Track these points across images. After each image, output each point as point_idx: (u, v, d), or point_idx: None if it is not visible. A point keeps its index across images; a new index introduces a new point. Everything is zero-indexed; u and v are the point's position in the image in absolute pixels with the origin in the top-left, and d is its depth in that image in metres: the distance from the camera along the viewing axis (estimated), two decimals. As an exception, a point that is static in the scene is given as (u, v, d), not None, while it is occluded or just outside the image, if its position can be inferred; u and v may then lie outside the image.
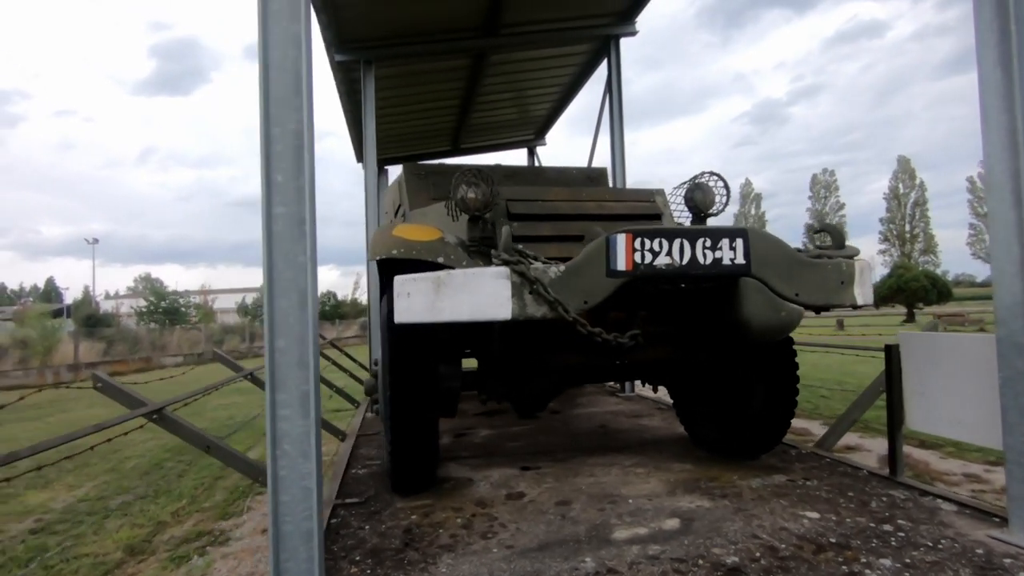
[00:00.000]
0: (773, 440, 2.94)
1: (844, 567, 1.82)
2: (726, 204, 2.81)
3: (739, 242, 1.84)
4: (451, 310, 1.76)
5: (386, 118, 7.07)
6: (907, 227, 52.00)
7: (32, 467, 2.46)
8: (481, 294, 1.70)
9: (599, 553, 1.98)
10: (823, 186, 60.03)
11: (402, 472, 2.53)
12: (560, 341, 2.53)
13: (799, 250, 2.00)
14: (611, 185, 5.23)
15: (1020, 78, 1.96)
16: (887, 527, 2.12)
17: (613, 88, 5.74)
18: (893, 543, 1.98)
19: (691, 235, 1.81)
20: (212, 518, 5.54)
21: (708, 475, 2.81)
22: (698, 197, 2.79)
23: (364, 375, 7.79)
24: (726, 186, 2.80)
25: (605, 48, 6.22)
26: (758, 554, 1.93)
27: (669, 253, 1.79)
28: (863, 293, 1.98)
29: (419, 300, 1.83)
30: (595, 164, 6.54)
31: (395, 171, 7.99)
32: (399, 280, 1.91)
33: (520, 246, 2.68)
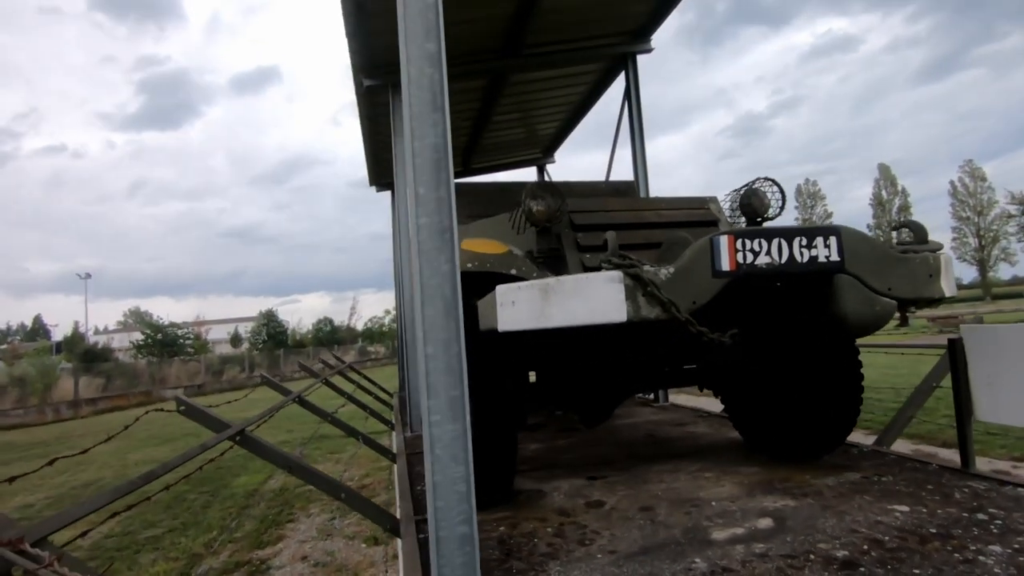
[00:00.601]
0: (838, 440, 2.97)
1: (956, 555, 1.84)
2: (782, 209, 2.88)
3: (833, 240, 1.90)
4: (562, 316, 1.79)
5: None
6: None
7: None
8: (595, 298, 1.74)
9: (705, 554, 1.99)
10: (808, 195, 61.20)
11: (484, 485, 2.53)
12: (643, 345, 2.57)
13: (890, 246, 2.06)
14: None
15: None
16: (981, 516, 2.15)
17: (632, 103, 5.87)
18: (994, 531, 2.01)
19: (788, 234, 1.87)
20: (247, 548, 5.46)
21: (779, 476, 2.82)
22: (754, 203, 2.86)
23: (378, 395, 7.73)
24: (781, 191, 2.88)
25: (619, 66, 6.38)
26: (865, 547, 1.95)
27: (768, 252, 1.84)
28: (949, 285, 2.04)
29: (526, 308, 1.87)
30: (612, 178, 6.66)
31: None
32: (503, 289, 1.95)
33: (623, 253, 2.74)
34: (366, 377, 8.15)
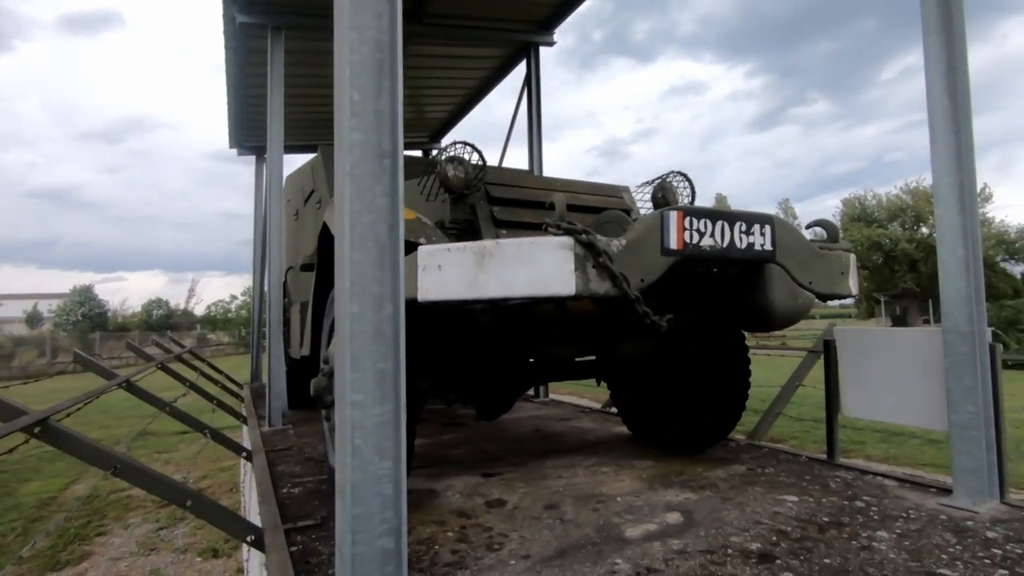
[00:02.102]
0: (724, 433, 3.07)
1: (854, 542, 1.90)
2: (691, 203, 2.90)
3: (767, 229, 1.88)
4: (499, 285, 1.53)
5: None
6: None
7: None
8: (541, 266, 1.50)
9: (625, 553, 1.85)
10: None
11: None
12: (567, 328, 2.39)
13: (811, 241, 2.11)
14: None
15: (963, 106, 2.29)
16: (859, 503, 2.29)
17: (533, 96, 5.77)
18: (875, 516, 2.14)
19: (730, 218, 1.80)
20: (36, 571, 4.37)
21: (673, 470, 2.83)
22: (667, 196, 2.85)
23: (225, 385, 6.81)
24: (691, 186, 2.90)
25: (520, 55, 6.26)
26: (774, 538, 1.95)
27: (712, 235, 1.76)
28: (854, 284, 2.14)
29: (456, 274, 1.58)
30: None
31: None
32: (428, 250, 1.63)
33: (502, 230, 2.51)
34: (211, 365, 7.10)
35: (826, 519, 2.12)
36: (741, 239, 1.82)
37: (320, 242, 2.73)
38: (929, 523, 2.05)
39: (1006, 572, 1.66)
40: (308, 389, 5.04)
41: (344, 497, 1.05)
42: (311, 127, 7.85)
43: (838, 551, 1.84)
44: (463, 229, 2.47)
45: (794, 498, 2.37)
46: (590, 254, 1.53)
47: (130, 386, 3.18)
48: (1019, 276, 33.90)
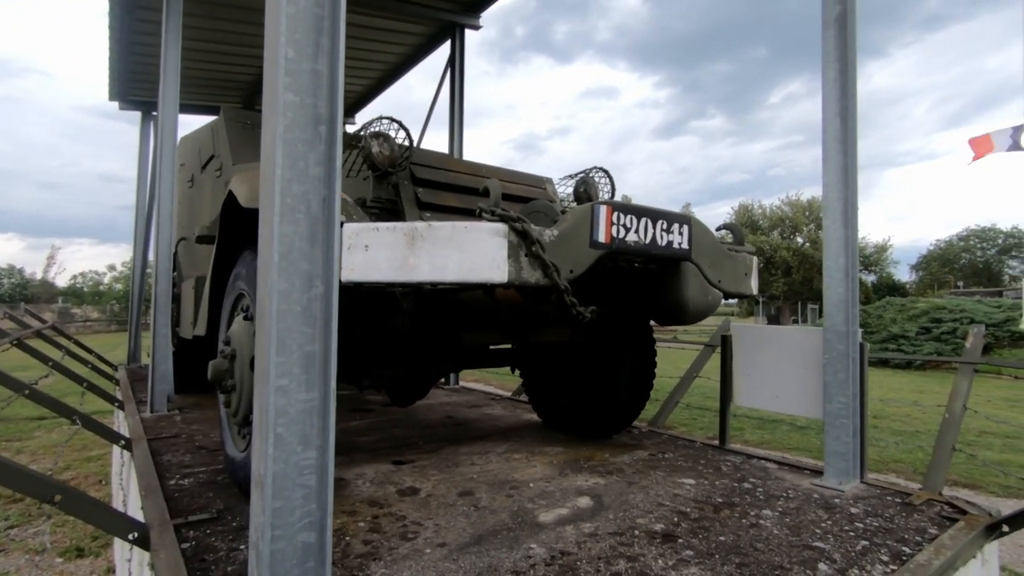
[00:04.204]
0: (630, 420, 3.22)
1: (744, 520, 2.08)
2: (611, 199, 2.99)
3: (685, 228, 1.98)
4: (430, 269, 1.48)
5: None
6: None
7: None
8: (473, 252, 1.47)
9: (539, 538, 1.89)
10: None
11: None
12: (472, 318, 2.37)
13: (721, 242, 2.24)
14: None
15: (851, 128, 2.55)
16: (747, 485, 2.50)
17: (456, 79, 5.66)
18: (760, 496, 2.35)
19: (653, 215, 1.87)
20: None
21: (583, 456, 2.93)
22: (589, 191, 2.92)
23: (96, 366, 6.13)
24: (611, 182, 2.99)
25: (444, 36, 6.12)
26: (675, 519, 2.08)
27: (637, 231, 1.82)
28: (755, 285, 2.32)
29: (384, 255, 1.50)
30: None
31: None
32: (352, 228, 1.54)
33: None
34: (78, 343, 6.33)
35: (720, 500, 2.30)
36: (662, 236, 1.90)
37: (223, 212, 2.50)
38: (805, 501, 2.29)
39: (867, 543, 1.89)
40: (201, 372, 4.66)
41: (263, 489, 0.97)
42: (208, 86, 7.19)
43: (731, 529, 1.99)
44: (385, 209, 2.37)
45: (692, 481, 2.54)
46: (523, 242, 1.53)
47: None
48: (870, 285, 38.85)
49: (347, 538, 1.87)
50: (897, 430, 7.47)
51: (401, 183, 2.42)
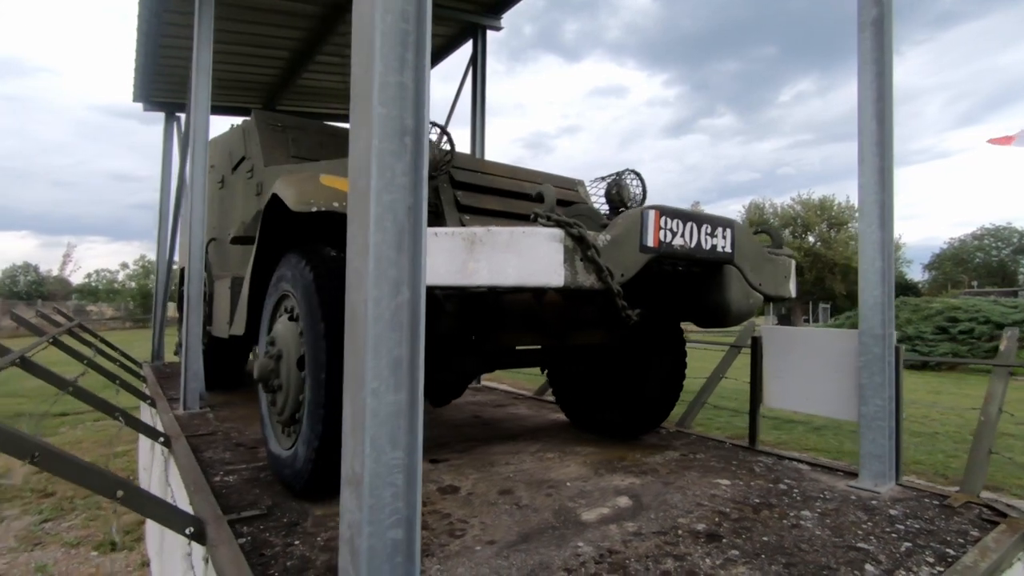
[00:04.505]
0: (660, 421, 3.25)
1: (784, 521, 2.10)
2: (642, 202, 3.02)
3: (728, 232, 2.00)
4: (489, 273, 1.51)
5: (187, 54, 5.81)
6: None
7: None
8: (531, 257, 1.51)
9: (585, 536, 1.93)
10: (578, 209, 69.54)
11: (328, 470, 2.09)
12: (512, 319, 2.41)
13: (762, 245, 2.27)
14: None
15: (888, 131, 2.56)
16: (782, 486, 2.52)
17: (478, 79, 5.70)
18: (797, 498, 2.37)
19: (698, 219, 1.90)
20: None
21: (614, 455, 2.96)
22: (622, 193, 2.94)
23: (123, 364, 6.23)
24: (643, 184, 3.02)
25: (466, 36, 6.17)
26: (716, 519, 2.11)
27: (683, 235, 1.85)
28: (794, 287, 2.34)
29: (444, 260, 1.54)
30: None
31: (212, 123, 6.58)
32: (412, 234, 1.58)
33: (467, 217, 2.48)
34: (104, 340, 6.43)
35: (757, 500, 2.32)
36: (707, 240, 1.92)
37: (265, 215, 2.55)
38: (843, 503, 2.31)
39: (910, 544, 1.91)
40: (229, 369, 4.72)
41: (359, 488, 1.01)
42: (230, 87, 7.26)
43: (773, 529, 2.02)
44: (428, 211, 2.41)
45: (727, 482, 2.56)
46: (579, 247, 1.56)
47: (25, 362, 2.82)
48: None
49: (397, 535, 1.91)
50: (916, 431, 7.42)
51: (441, 186, 2.46)
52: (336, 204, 2.08)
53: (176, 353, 6.23)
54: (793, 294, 2.33)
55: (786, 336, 3.09)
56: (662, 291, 2.25)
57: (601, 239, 1.62)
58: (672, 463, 2.85)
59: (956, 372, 14.02)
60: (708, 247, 1.93)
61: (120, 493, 1.80)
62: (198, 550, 2.00)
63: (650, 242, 1.75)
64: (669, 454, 3.02)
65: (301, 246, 2.33)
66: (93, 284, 32.27)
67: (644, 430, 3.29)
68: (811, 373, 2.89)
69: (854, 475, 2.66)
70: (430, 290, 1.82)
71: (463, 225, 2.38)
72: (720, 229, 1.97)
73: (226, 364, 4.62)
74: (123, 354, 6.57)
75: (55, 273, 34.19)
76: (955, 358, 12.79)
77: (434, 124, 2.38)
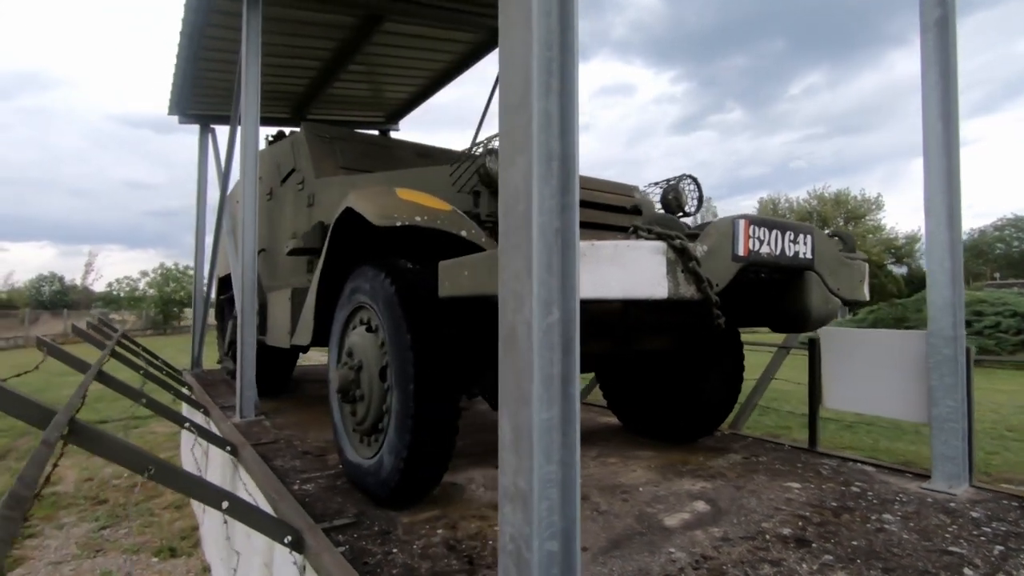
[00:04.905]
0: (717, 425, 3.26)
1: (867, 525, 2.11)
2: (698, 207, 3.03)
3: (809, 238, 2.02)
4: (592, 286, 1.54)
5: (224, 66, 5.91)
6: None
7: None
8: (635, 270, 1.53)
9: (674, 542, 1.95)
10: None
11: (416, 478, 2.14)
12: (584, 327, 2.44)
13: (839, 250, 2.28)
14: None
15: (954, 131, 2.55)
16: (854, 488, 2.52)
17: (512, 83, 5.73)
18: (874, 501, 2.37)
19: (781, 227, 1.92)
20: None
21: (676, 460, 2.98)
22: (679, 198, 2.96)
23: (167, 374, 6.35)
24: (699, 189, 3.03)
25: (494, 43, 6.20)
26: (799, 523, 2.12)
27: (768, 243, 1.87)
28: (867, 291, 2.35)
29: (549, 273, 1.57)
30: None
31: (223, 131, 6.70)
32: (515, 248, 1.62)
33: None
34: (146, 350, 6.56)
35: (834, 504, 2.33)
36: (789, 247, 1.94)
37: (335, 228, 2.60)
38: (921, 506, 2.31)
39: (1002, 548, 1.91)
40: (276, 377, 4.79)
41: (522, 502, 1.04)
42: (265, 99, 7.36)
43: (859, 534, 2.03)
44: (496, 223, 2.45)
45: (798, 485, 2.57)
46: (680, 259, 1.59)
47: (102, 376, 2.90)
48: (901, 278, 38.04)
49: (490, 542, 1.95)
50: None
51: (509, 197, 2.50)
52: (418, 218, 2.12)
53: (219, 362, 6.34)
54: (867, 297, 2.33)
55: (847, 337, 3.09)
56: (742, 298, 2.27)
57: (700, 250, 1.65)
58: (737, 467, 2.86)
59: (982, 367, 13.82)
60: (791, 254, 1.94)
61: (225, 504, 1.86)
62: (285, 558, 2.05)
63: (741, 251, 1.78)
64: (731, 457, 3.03)
65: (375, 259, 2.38)
66: (114, 292, 32.82)
67: (702, 434, 3.30)
68: (874, 375, 2.89)
69: (922, 477, 2.66)
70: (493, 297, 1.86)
71: None
72: (801, 236, 1.99)
73: (273, 372, 4.70)
74: (165, 363, 6.70)
75: (79, 282, 34.84)
76: (990, 355, 12.59)
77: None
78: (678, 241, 1.58)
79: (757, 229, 1.83)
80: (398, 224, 2.08)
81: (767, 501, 2.35)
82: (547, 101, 1.09)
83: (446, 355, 2.07)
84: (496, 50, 6.29)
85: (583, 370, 3.14)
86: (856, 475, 2.73)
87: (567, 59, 1.11)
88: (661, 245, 1.57)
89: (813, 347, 3.20)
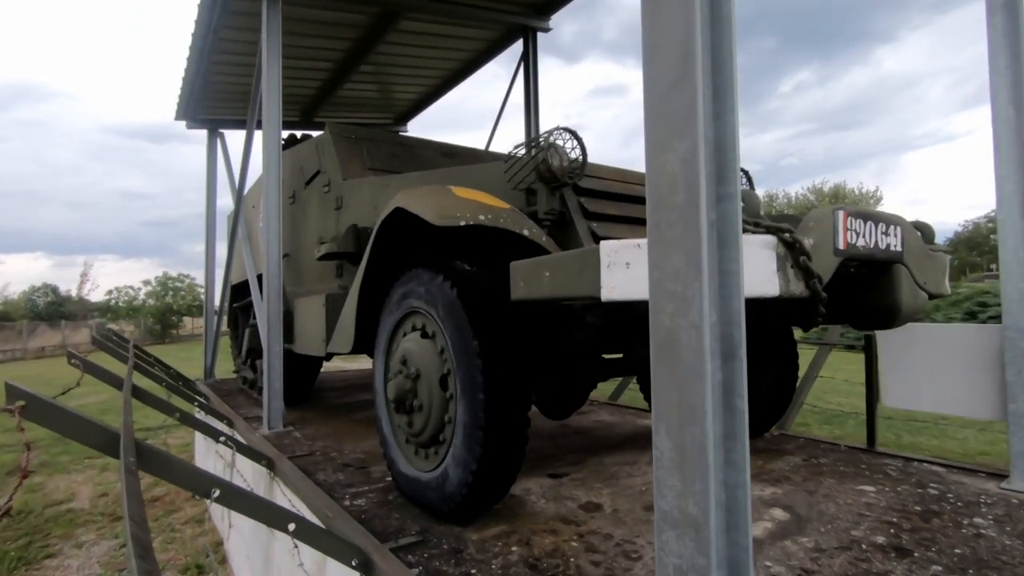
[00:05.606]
0: (769, 426, 3.15)
1: (962, 530, 2.00)
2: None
3: (899, 230, 1.91)
4: (698, 285, 1.43)
5: (235, 70, 5.78)
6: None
7: None
8: (745, 266, 1.42)
9: (767, 554, 1.84)
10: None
11: (486, 492, 2.02)
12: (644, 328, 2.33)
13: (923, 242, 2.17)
14: None
15: (1026, 117, 2.45)
16: (932, 491, 2.42)
17: (531, 82, 5.63)
18: (958, 503, 2.26)
19: (874, 218, 1.81)
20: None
21: (734, 463, 2.87)
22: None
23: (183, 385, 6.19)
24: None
25: (508, 40, 6.11)
26: (890, 530, 2.01)
27: (864, 235, 1.76)
28: (949, 285, 2.24)
29: (645, 272, 1.45)
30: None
31: (234, 136, 6.57)
32: (611, 246, 1.50)
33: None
34: (159, 360, 6.40)
35: (918, 508, 2.22)
36: (882, 240, 1.84)
37: (380, 230, 2.48)
38: (1009, 508, 2.20)
39: (1114, 552, 1.81)
40: (300, 386, 4.66)
41: (682, 528, 0.93)
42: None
43: (957, 540, 1.92)
44: (554, 221, 2.34)
45: (872, 488, 2.46)
46: (790, 254, 1.48)
47: (136, 392, 2.77)
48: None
49: (571, 559, 1.83)
50: (968, 422, 7.27)
51: (567, 194, 2.38)
52: (482, 217, 2.00)
53: (236, 371, 6.19)
54: (949, 291, 2.23)
55: (906, 332, 2.99)
56: (841, 293, 2.16)
57: (808, 244, 1.54)
58: (800, 470, 2.75)
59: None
60: (884, 246, 1.84)
61: (292, 526, 1.74)
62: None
63: (841, 245, 1.67)
64: (791, 460, 2.92)
65: (428, 261, 2.26)
66: (113, 302, 32.48)
67: (755, 435, 3.19)
68: (939, 371, 2.79)
69: (998, 476, 2.56)
70: (573, 301, 1.74)
71: (593, 233, 2.31)
72: (892, 227, 1.88)
73: (297, 381, 4.57)
74: (179, 374, 6.55)
75: (74, 293, 34.46)
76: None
77: (566, 130, 2.30)
78: (788, 235, 1.47)
79: (854, 221, 1.73)
80: (462, 224, 1.96)
81: (845, 506, 2.25)
82: (713, 76, 0.98)
83: (516, 361, 1.95)
84: (507, 50, 6.21)
85: (627, 373, 3.04)
86: (927, 476, 2.63)
87: (724, 31, 1.00)
88: (772, 239, 1.45)
89: (869, 344, 3.10)
